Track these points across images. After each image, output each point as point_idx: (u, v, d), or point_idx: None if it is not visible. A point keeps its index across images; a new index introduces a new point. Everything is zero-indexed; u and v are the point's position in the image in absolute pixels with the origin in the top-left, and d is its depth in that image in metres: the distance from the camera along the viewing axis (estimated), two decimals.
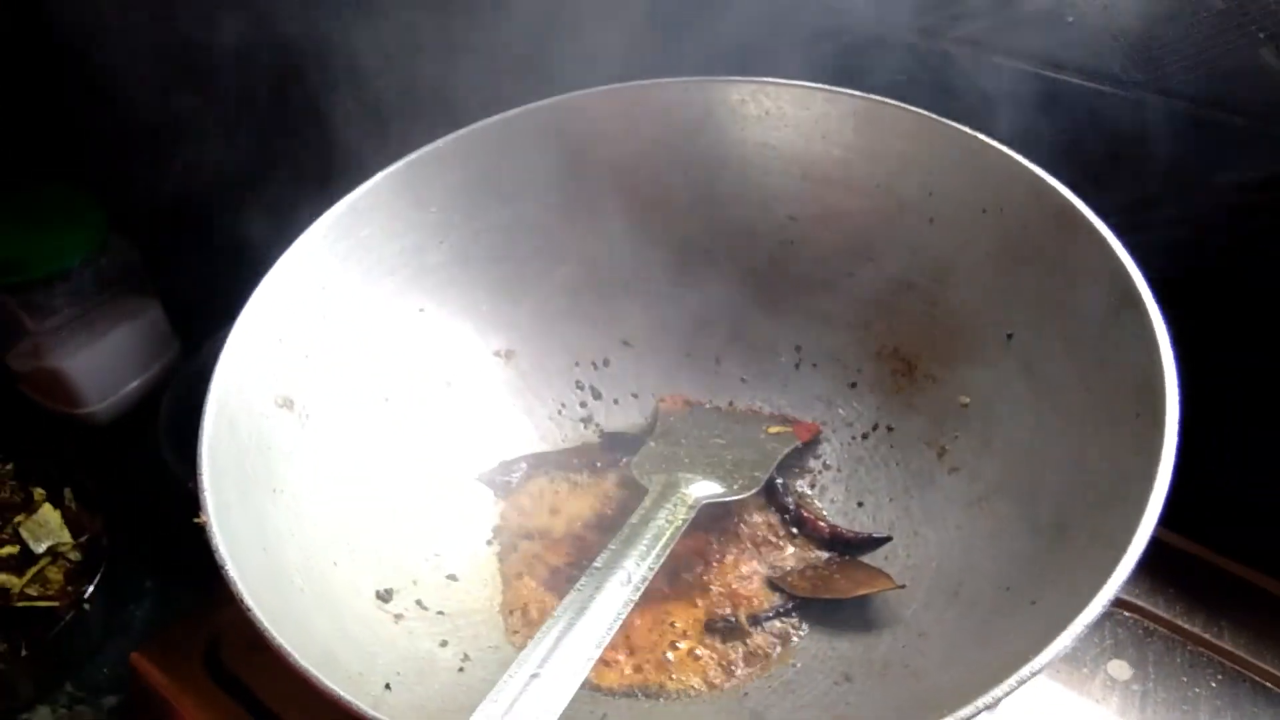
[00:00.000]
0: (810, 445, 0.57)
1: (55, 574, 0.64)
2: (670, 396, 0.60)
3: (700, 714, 0.47)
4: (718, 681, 0.48)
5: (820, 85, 0.55)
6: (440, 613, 0.49)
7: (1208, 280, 0.53)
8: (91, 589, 0.63)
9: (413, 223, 0.56)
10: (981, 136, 0.51)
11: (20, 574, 0.63)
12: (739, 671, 0.48)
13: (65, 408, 0.74)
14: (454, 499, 0.55)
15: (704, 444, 0.56)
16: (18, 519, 0.65)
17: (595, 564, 0.45)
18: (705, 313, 0.60)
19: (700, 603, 0.51)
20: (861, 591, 0.49)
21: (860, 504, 0.55)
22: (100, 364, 0.74)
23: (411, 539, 0.51)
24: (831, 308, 0.58)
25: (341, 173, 0.56)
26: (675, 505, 0.50)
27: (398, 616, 0.47)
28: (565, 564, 0.53)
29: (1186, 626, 0.55)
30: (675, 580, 0.51)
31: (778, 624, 0.50)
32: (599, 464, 0.58)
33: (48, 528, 0.66)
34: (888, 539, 0.52)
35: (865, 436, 0.57)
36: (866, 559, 0.52)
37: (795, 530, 0.54)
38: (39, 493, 0.68)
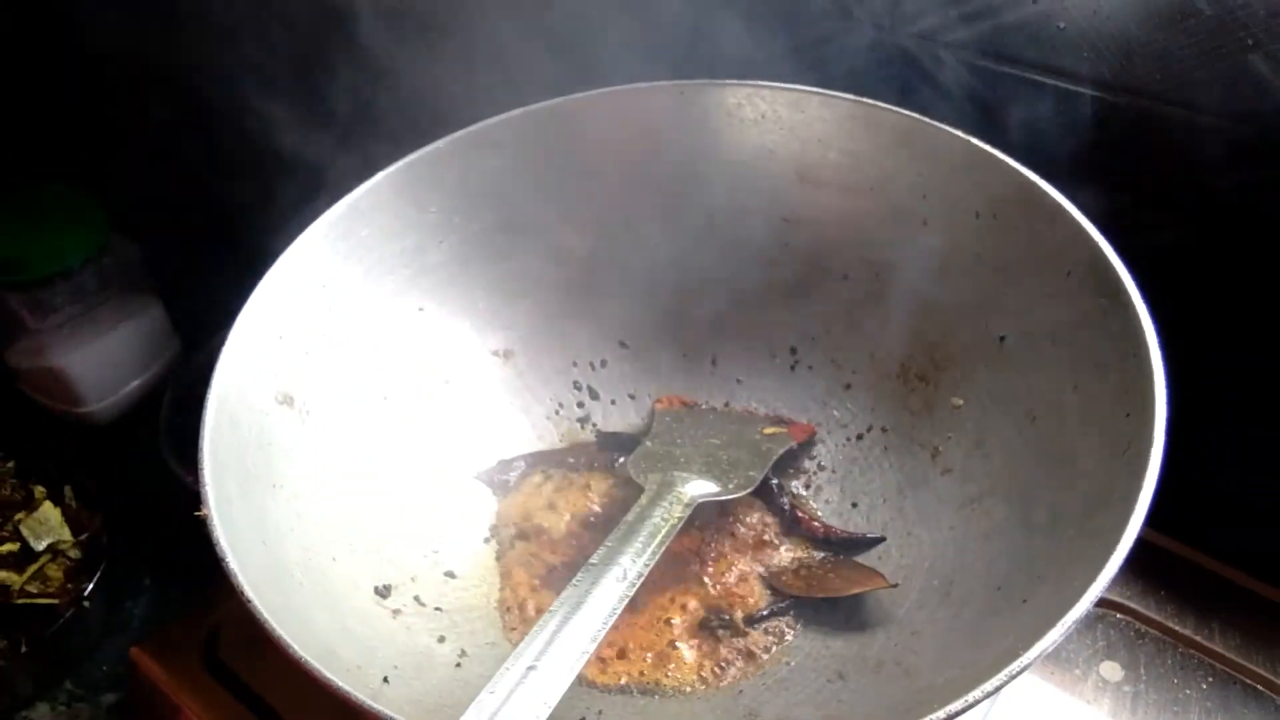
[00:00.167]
0: (805, 446, 0.58)
1: (55, 571, 0.65)
2: (666, 397, 0.61)
3: (695, 711, 0.47)
4: (713, 679, 0.48)
5: (815, 89, 0.56)
6: (438, 609, 0.49)
7: (1203, 282, 0.54)
8: (91, 586, 0.63)
9: (412, 223, 0.57)
10: (974, 140, 0.52)
11: (20, 571, 0.64)
12: (734, 669, 0.49)
13: (65, 406, 0.75)
14: (452, 497, 0.55)
15: (700, 444, 0.56)
16: (18, 516, 0.66)
17: (591, 560, 0.45)
18: (701, 314, 0.61)
19: (696, 601, 0.51)
20: (855, 590, 0.50)
21: (854, 504, 0.55)
22: (100, 363, 0.74)
23: (410, 536, 0.52)
24: (826, 310, 0.59)
25: (342, 173, 0.57)
26: (671, 503, 0.50)
27: (396, 612, 0.48)
28: (562, 562, 0.53)
29: (1178, 629, 0.55)
30: (671, 579, 0.52)
31: (772, 622, 0.50)
32: (596, 463, 0.58)
33: (48, 525, 0.66)
34: (881, 539, 0.53)
35: (860, 438, 0.57)
36: (860, 559, 0.53)
37: (790, 530, 0.54)
38: (39, 490, 0.68)
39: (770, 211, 0.58)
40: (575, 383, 0.61)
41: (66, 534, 0.66)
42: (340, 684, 0.37)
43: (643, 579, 0.45)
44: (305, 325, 0.52)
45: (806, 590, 0.51)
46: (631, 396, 0.61)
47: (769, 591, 0.52)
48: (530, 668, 0.39)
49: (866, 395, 0.57)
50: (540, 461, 0.58)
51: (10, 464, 0.70)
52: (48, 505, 0.67)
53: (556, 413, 0.60)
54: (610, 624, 0.42)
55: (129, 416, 0.77)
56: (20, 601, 0.63)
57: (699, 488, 0.52)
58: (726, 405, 0.60)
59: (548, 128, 0.58)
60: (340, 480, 0.50)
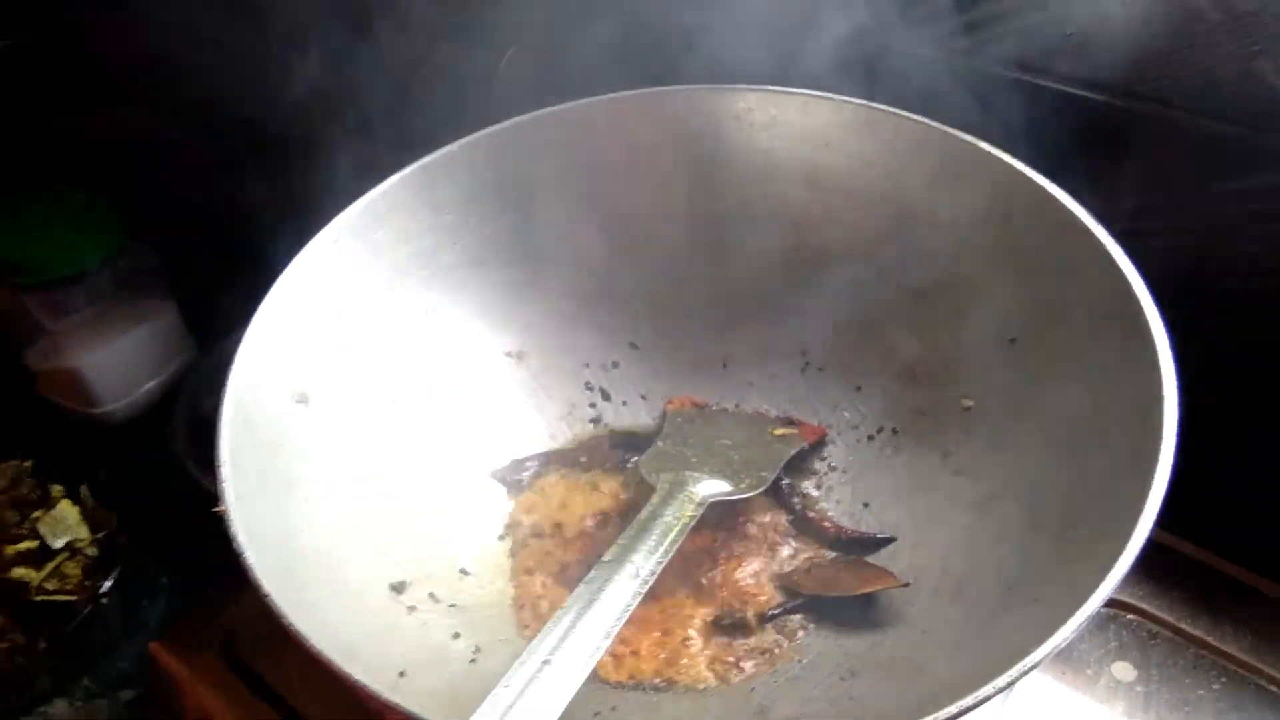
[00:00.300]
0: (816, 447, 0.58)
1: (73, 569, 0.65)
2: (678, 398, 0.61)
3: (708, 708, 0.47)
4: (725, 676, 0.49)
5: (824, 94, 0.56)
6: (453, 606, 0.50)
7: (1207, 285, 0.54)
8: (108, 584, 0.64)
9: (427, 225, 0.57)
10: (984, 145, 0.52)
11: (39, 569, 0.64)
12: (746, 667, 0.49)
13: (82, 407, 0.75)
14: (466, 495, 0.56)
15: (711, 445, 0.56)
16: (36, 515, 0.67)
17: (604, 558, 0.46)
18: (712, 317, 0.61)
19: (708, 600, 0.51)
20: (867, 589, 0.50)
21: (866, 505, 0.56)
22: (117, 364, 0.75)
23: (424, 534, 0.52)
24: (836, 313, 0.59)
25: (357, 176, 0.57)
26: (683, 502, 0.50)
27: (411, 608, 0.48)
28: (575, 560, 0.53)
29: (1190, 629, 0.55)
30: (684, 578, 0.52)
31: (784, 621, 0.51)
32: (608, 463, 0.59)
33: (65, 524, 0.67)
34: (893, 539, 0.53)
35: (871, 439, 0.57)
36: (871, 558, 0.53)
37: (801, 530, 0.55)
38: (57, 490, 0.69)
39: (780, 214, 0.59)
40: (587, 384, 0.61)
41: (84, 532, 0.67)
42: (359, 677, 0.37)
43: (656, 577, 0.45)
44: (320, 325, 0.53)
45: (818, 589, 0.51)
46: (643, 397, 0.62)
47: (781, 590, 0.52)
48: (545, 662, 0.39)
49: (877, 397, 0.58)
50: (553, 461, 0.59)
51: (28, 463, 0.70)
52: (65, 504, 0.68)
53: (569, 413, 0.61)
54: (624, 621, 0.42)
55: (144, 417, 0.78)
56: (39, 599, 0.63)
57: (711, 487, 0.52)
58: (737, 406, 0.61)
59: (560, 131, 0.59)
60: (355, 478, 0.51)
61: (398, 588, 0.49)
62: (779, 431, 0.58)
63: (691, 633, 0.50)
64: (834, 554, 0.54)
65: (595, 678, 0.48)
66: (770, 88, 0.57)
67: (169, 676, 0.55)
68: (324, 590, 0.44)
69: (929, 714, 0.36)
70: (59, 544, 0.66)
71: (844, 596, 0.51)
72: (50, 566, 0.65)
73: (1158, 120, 0.53)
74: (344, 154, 0.62)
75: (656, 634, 0.50)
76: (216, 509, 0.42)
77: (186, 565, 0.71)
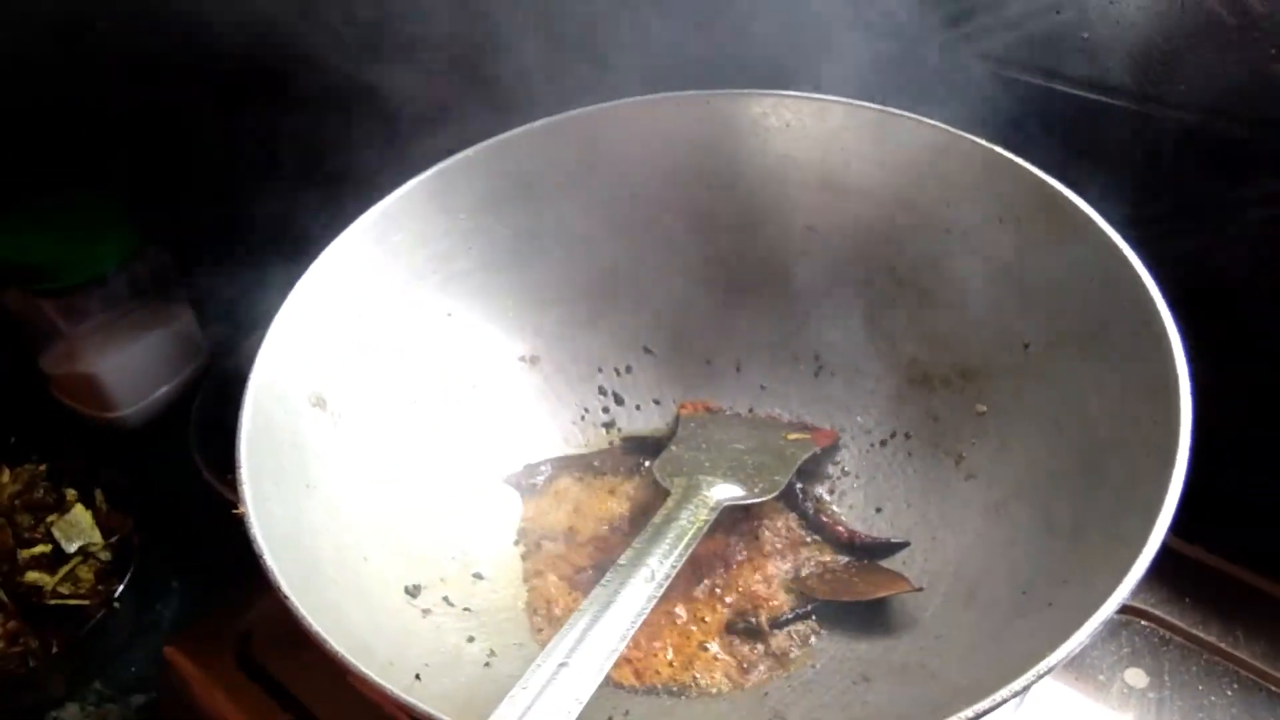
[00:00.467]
0: (829, 451, 0.58)
1: (86, 573, 0.65)
2: (691, 402, 0.61)
3: (721, 712, 0.47)
4: (738, 681, 0.49)
5: (839, 98, 0.57)
6: (467, 609, 0.50)
7: (1220, 287, 0.54)
8: (121, 588, 0.64)
9: (443, 229, 0.57)
10: (998, 149, 0.53)
11: (52, 573, 0.65)
12: (759, 671, 0.49)
13: (97, 411, 0.76)
14: (480, 500, 0.56)
15: (724, 449, 0.56)
16: (50, 519, 0.67)
17: (620, 561, 0.46)
18: (725, 321, 0.61)
19: (722, 604, 0.51)
20: (880, 594, 0.50)
21: (878, 509, 0.56)
22: (131, 368, 0.75)
23: (439, 537, 0.52)
24: (849, 317, 0.59)
25: (372, 181, 0.58)
26: (697, 506, 0.51)
27: (426, 611, 0.48)
28: (588, 564, 0.54)
29: (1202, 635, 0.55)
30: (697, 582, 0.52)
31: (797, 625, 0.51)
32: (621, 468, 0.59)
33: (79, 528, 0.67)
34: (906, 544, 0.53)
35: (883, 443, 0.57)
36: (884, 563, 0.53)
37: (814, 534, 0.55)
38: (71, 493, 0.69)
39: (794, 219, 0.59)
40: (600, 388, 0.62)
41: (97, 536, 0.67)
42: (377, 679, 0.37)
43: (670, 580, 0.46)
44: (338, 329, 0.53)
45: (831, 594, 0.51)
46: (656, 402, 0.62)
47: (794, 595, 0.52)
48: (562, 664, 0.39)
49: (890, 402, 0.58)
50: (566, 465, 0.59)
51: (43, 467, 0.71)
52: (79, 508, 0.68)
53: (582, 417, 0.61)
54: (639, 623, 0.43)
55: (159, 421, 0.78)
56: (52, 602, 0.64)
57: (724, 491, 0.52)
58: (750, 411, 0.61)
59: (575, 136, 0.59)
60: (371, 481, 0.51)
61: (412, 591, 0.49)
62: (792, 436, 0.58)
63: (704, 637, 0.50)
64: (847, 559, 0.54)
65: (609, 681, 0.48)
66: (785, 92, 0.57)
67: (183, 680, 0.55)
68: (341, 592, 0.44)
69: (943, 719, 0.36)
70: (73, 548, 0.66)
71: (857, 601, 0.51)
72: (64, 570, 0.65)
73: (1172, 124, 0.53)
74: (360, 160, 0.62)
75: (670, 638, 0.50)
76: (236, 511, 0.42)
77: (199, 569, 0.71)
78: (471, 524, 0.55)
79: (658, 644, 0.50)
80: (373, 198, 0.56)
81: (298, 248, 0.55)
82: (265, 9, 0.63)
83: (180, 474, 0.67)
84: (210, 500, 0.64)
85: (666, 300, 0.61)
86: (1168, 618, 0.56)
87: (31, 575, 0.64)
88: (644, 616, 0.43)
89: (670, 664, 0.49)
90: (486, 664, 0.48)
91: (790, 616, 0.51)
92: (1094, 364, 0.48)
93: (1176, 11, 0.52)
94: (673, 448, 0.57)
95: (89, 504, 0.69)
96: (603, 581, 0.44)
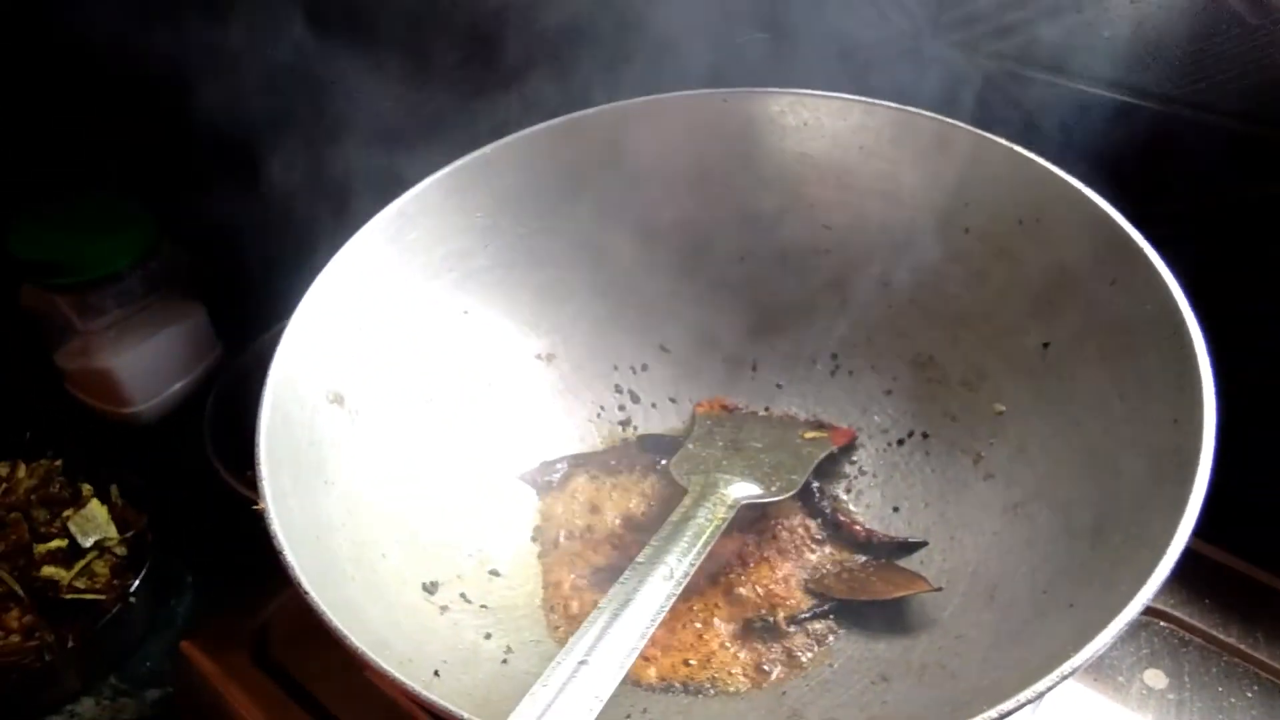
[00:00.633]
0: (846, 450, 0.58)
1: (102, 568, 0.66)
2: (707, 401, 0.61)
3: (739, 711, 0.47)
4: (756, 680, 0.48)
5: (857, 97, 0.56)
6: (484, 606, 0.50)
7: (1240, 288, 0.54)
8: (137, 583, 0.64)
9: (459, 227, 0.57)
10: (1018, 148, 0.52)
11: (68, 567, 0.65)
12: (777, 670, 0.49)
13: (112, 407, 0.76)
14: (496, 497, 0.56)
15: (741, 447, 0.56)
16: (66, 514, 0.67)
17: (638, 559, 0.46)
18: (742, 319, 0.61)
19: (738, 603, 0.51)
20: (898, 594, 0.50)
21: (896, 509, 0.55)
22: (146, 364, 0.75)
23: (455, 534, 0.52)
24: (867, 316, 0.59)
25: (386, 180, 0.58)
26: (715, 505, 0.50)
27: (443, 608, 0.48)
28: (605, 562, 0.54)
29: (1222, 637, 0.55)
30: (714, 581, 0.52)
31: (815, 625, 0.51)
32: (637, 465, 0.59)
33: (95, 523, 0.67)
34: (923, 544, 0.53)
35: (901, 443, 0.57)
36: (902, 562, 0.53)
37: (831, 533, 0.55)
38: (87, 489, 0.70)
39: (811, 218, 0.59)
40: (617, 386, 0.62)
41: (113, 531, 0.67)
42: (397, 674, 0.37)
43: (688, 578, 0.45)
44: (355, 326, 0.53)
45: (849, 593, 0.51)
46: (672, 400, 0.62)
47: (811, 594, 0.52)
48: (581, 662, 0.39)
49: (907, 401, 0.58)
50: (583, 463, 0.59)
51: (58, 462, 0.71)
52: (95, 503, 0.68)
53: (598, 415, 0.61)
54: (658, 622, 0.43)
55: (173, 417, 0.78)
56: (68, 597, 0.64)
57: (742, 490, 0.52)
58: (767, 410, 0.61)
59: (593, 133, 0.59)
60: (388, 478, 0.51)
61: (430, 588, 0.49)
62: (809, 435, 0.58)
63: (721, 636, 0.50)
64: (864, 558, 0.54)
65: (626, 679, 0.47)
66: (804, 91, 0.57)
67: (200, 675, 0.55)
68: (359, 589, 0.44)
69: (965, 719, 0.36)
70: (88, 543, 0.66)
71: (875, 601, 0.50)
72: (80, 565, 0.65)
73: (1193, 124, 0.53)
74: (376, 158, 0.62)
75: (687, 636, 0.50)
76: (256, 507, 0.42)
77: (213, 564, 0.71)
78: (488, 521, 0.55)
79: (675, 642, 0.50)
80: (391, 197, 0.56)
81: (314, 245, 0.55)
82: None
83: (194, 470, 0.68)
84: (224, 496, 0.64)
85: (683, 298, 0.61)
86: (1188, 619, 0.56)
87: (47, 570, 0.64)
88: (663, 615, 0.43)
89: (687, 662, 0.49)
90: (504, 661, 0.47)
91: (807, 615, 0.51)
92: (1115, 364, 0.48)
93: (1199, 11, 0.51)
94: (689, 446, 0.57)
95: (104, 499, 0.69)
96: (621, 579, 0.44)
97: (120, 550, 0.67)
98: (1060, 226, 0.51)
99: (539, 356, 0.60)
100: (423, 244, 0.56)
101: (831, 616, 0.51)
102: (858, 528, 0.54)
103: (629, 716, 0.46)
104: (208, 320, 0.80)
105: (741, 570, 0.52)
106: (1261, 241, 0.55)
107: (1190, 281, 0.46)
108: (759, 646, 0.50)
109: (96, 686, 0.64)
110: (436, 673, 0.43)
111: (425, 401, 0.55)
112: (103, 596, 0.64)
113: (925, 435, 0.57)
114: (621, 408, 0.61)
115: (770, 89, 0.58)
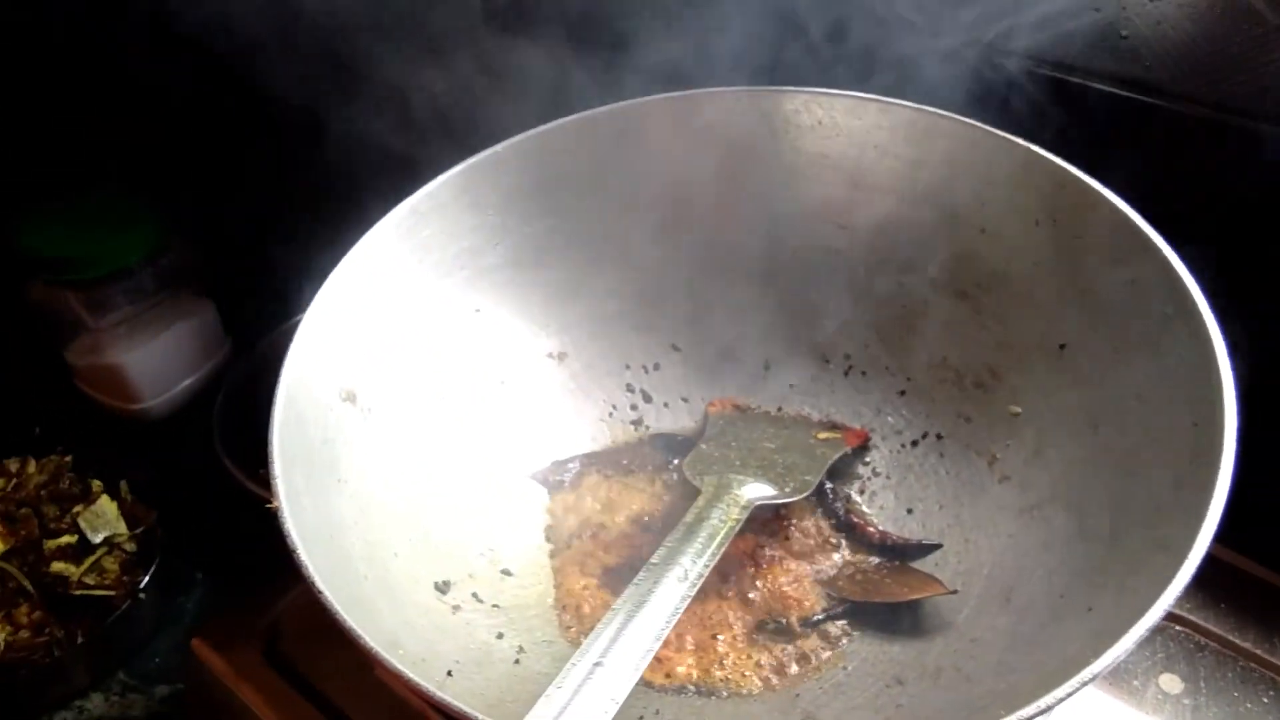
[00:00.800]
0: (859, 451, 0.58)
1: (111, 564, 0.66)
2: (719, 400, 0.61)
3: (752, 712, 0.47)
4: (770, 681, 0.48)
5: (873, 96, 0.56)
6: (496, 606, 0.50)
7: (1259, 286, 0.53)
8: (146, 579, 0.64)
9: (471, 225, 0.57)
10: (1034, 148, 0.52)
11: (78, 563, 0.65)
12: (790, 672, 0.49)
13: (121, 403, 0.76)
14: (508, 496, 0.56)
15: (754, 447, 0.56)
16: (76, 510, 0.67)
17: (652, 560, 0.45)
18: (754, 319, 0.61)
19: (751, 605, 0.51)
20: (912, 596, 0.50)
21: (910, 511, 0.55)
22: (156, 361, 0.75)
23: (467, 534, 0.52)
24: (880, 316, 0.59)
25: (393, 181, 0.57)
26: (728, 505, 0.50)
27: (455, 608, 0.48)
28: (617, 562, 0.53)
29: (1238, 642, 0.55)
30: (727, 582, 0.52)
31: (829, 627, 0.50)
32: (649, 465, 0.58)
33: (105, 519, 0.67)
34: (938, 546, 0.53)
35: (915, 444, 0.57)
36: (917, 565, 0.52)
37: (845, 535, 0.54)
38: (96, 485, 0.70)
39: (826, 217, 0.59)
40: (628, 385, 0.61)
41: (122, 528, 0.67)
42: (410, 674, 0.37)
43: (703, 580, 0.45)
44: (368, 324, 0.53)
45: (863, 595, 0.51)
46: (684, 400, 0.61)
47: (824, 596, 0.52)
48: (597, 664, 0.39)
49: (921, 402, 0.57)
50: (594, 462, 0.58)
51: (68, 458, 0.71)
52: (105, 499, 0.68)
53: (610, 415, 0.61)
54: (673, 623, 0.42)
55: (182, 414, 0.78)
56: (78, 593, 0.64)
57: (755, 490, 0.52)
58: (780, 410, 0.60)
59: (604, 132, 0.59)
60: (400, 477, 0.51)
61: (442, 587, 0.49)
62: (822, 435, 0.57)
63: (735, 637, 0.50)
64: (878, 560, 0.53)
65: (639, 681, 0.47)
66: (818, 89, 0.57)
67: (210, 672, 0.55)
68: (372, 588, 0.44)
69: None
70: (98, 539, 0.66)
71: (889, 603, 0.50)
72: (89, 561, 0.65)
73: (1211, 123, 0.52)
74: (386, 157, 0.62)
75: (700, 638, 0.50)
76: (270, 505, 0.42)
77: (222, 561, 0.71)
78: (499, 520, 0.54)
79: (688, 643, 0.49)
80: (401, 194, 0.56)
81: (325, 243, 0.54)
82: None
83: (203, 466, 0.68)
84: (232, 493, 0.64)
85: (695, 297, 0.61)
86: (1203, 623, 0.55)
87: (57, 565, 0.64)
88: (678, 616, 0.43)
89: (700, 664, 0.49)
90: (516, 661, 0.47)
91: (821, 617, 0.51)
92: (1132, 365, 0.48)
93: (1217, 10, 0.51)
94: (702, 446, 0.57)
95: (114, 495, 0.69)
96: (636, 580, 0.44)
97: (130, 546, 0.67)
98: (1077, 227, 0.51)
99: (551, 355, 0.60)
100: (435, 242, 0.56)
101: (845, 619, 0.51)
102: (871, 529, 0.54)
103: (642, 718, 0.46)
104: (217, 317, 0.80)
105: (755, 572, 0.52)
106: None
107: (1210, 282, 0.45)
108: (772, 648, 0.49)
109: (105, 682, 0.64)
110: (449, 673, 0.42)
111: (437, 400, 0.55)
112: (112, 592, 0.64)
113: (940, 436, 0.56)
114: (633, 407, 0.61)
115: (785, 87, 0.57)
